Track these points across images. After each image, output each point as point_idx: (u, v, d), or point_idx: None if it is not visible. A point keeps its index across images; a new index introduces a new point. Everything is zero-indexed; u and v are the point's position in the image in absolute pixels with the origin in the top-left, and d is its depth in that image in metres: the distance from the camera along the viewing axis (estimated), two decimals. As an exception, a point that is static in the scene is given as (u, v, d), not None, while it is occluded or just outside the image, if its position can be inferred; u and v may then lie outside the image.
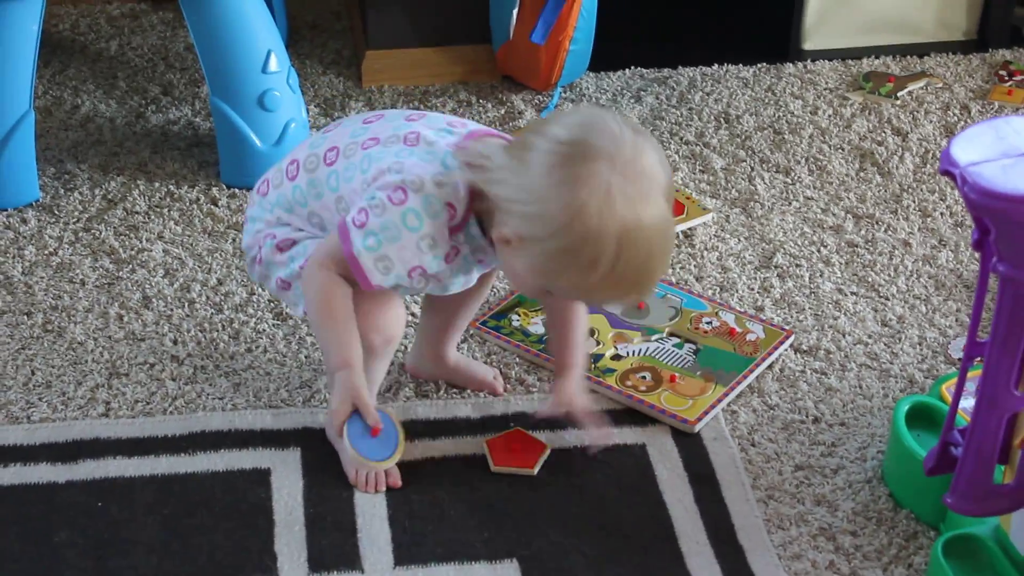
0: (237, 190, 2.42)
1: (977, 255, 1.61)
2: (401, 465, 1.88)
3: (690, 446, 1.96)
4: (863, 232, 2.37)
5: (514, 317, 2.15)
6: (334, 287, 1.76)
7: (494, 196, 1.68)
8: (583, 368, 1.96)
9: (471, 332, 2.13)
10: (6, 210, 2.36)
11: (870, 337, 2.16)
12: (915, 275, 2.28)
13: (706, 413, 1.99)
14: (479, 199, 1.72)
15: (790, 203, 2.44)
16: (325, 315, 1.77)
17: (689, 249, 2.32)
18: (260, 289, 2.21)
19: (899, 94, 2.72)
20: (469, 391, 2.03)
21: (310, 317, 1.80)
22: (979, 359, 1.65)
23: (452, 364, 2.05)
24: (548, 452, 1.91)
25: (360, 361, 1.78)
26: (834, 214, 2.41)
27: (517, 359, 2.09)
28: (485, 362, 2.09)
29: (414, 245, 1.72)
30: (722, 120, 2.65)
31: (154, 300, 2.19)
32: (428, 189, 1.70)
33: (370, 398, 1.80)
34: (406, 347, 2.05)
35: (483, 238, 1.77)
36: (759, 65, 2.82)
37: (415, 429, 1.97)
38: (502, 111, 2.64)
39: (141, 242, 2.30)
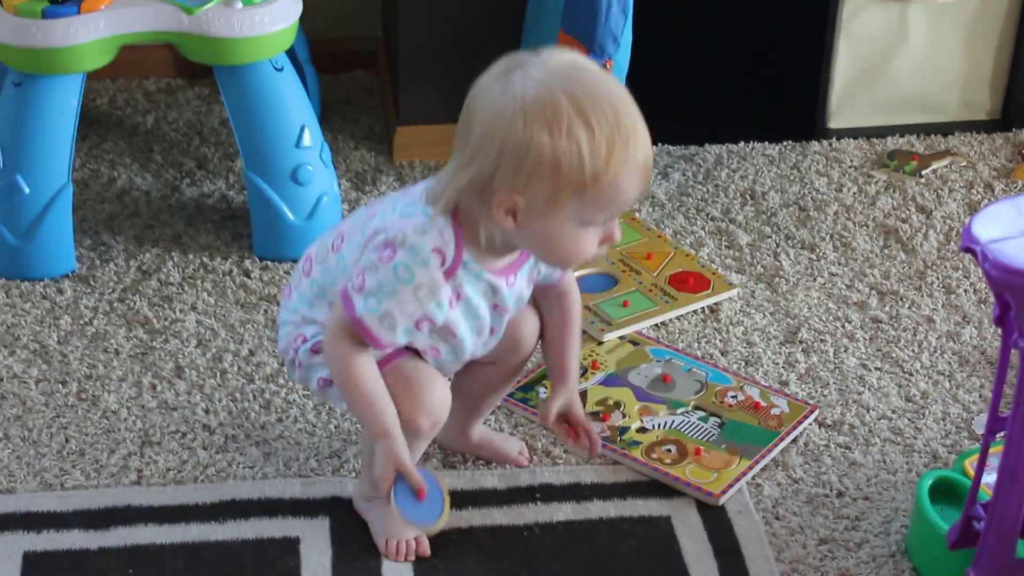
0: (270, 262, 2.43)
1: (999, 331, 1.62)
2: (429, 536, 1.90)
3: (715, 519, 1.96)
4: (887, 308, 2.37)
5: (541, 390, 2.16)
6: (354, 357, 1.76)
7: (464, 187, 1.68)
8: (574, 385, 1.97)
9: (499, 404, 2.13)
10: (43, 280, 2.37)
11: (894, 412, 2.16)
12: (939, 351, 2.28)
13: (731, 486, 2.00)
14: (468, 232, 1.73)
15: (815, 279, 2.44)
16: (351, 388, 1.77)
17: (715, 324, 2.32)
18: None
19: (923, 172, 2.72)
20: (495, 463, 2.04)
21: (341, 392, 1.80)
22: (1001, 434, 1.66)
23: (476, 441, 2.05)
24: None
25: (397, 426, 1.77)
26: (858, 290, 2.41)
27: (543, 431, 2.09)
28: (511, 433, 2.10)
29: (411, 297, 1.71)
30: (748, 197, 2.65)
31: (187, 370, 2.19)
32: (411, 240, 1.70)
33: (411, 462, 1.79)
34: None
35: (485, 271, 1.76)
36: (785, 143, 2.81)
37: None
38: None
39: (175, 313, 2.31)
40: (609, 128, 1.62)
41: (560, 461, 2.05)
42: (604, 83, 1.66)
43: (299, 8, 2.40)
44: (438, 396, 1.81)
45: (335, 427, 2.09)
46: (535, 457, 2.06)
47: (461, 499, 1.97)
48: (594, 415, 2.11)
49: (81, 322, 2.29)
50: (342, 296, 1.74)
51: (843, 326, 2.33)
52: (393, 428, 1.77)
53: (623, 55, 2.56)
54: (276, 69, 2.38)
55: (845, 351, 2.28)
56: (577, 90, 1.62)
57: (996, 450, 1.72)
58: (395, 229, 1.71)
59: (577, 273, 2.37)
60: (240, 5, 2.31)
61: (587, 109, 1.62)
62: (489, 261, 1.76)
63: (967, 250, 1.56)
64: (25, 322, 2.29)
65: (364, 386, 1.76)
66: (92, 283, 2.38)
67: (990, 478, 1.73)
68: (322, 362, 1.83)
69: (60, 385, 2.16)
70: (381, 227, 1.72)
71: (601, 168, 1.63)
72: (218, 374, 2.19)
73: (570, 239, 1.69)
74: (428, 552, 1.88)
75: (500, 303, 1.82)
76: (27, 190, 2.33)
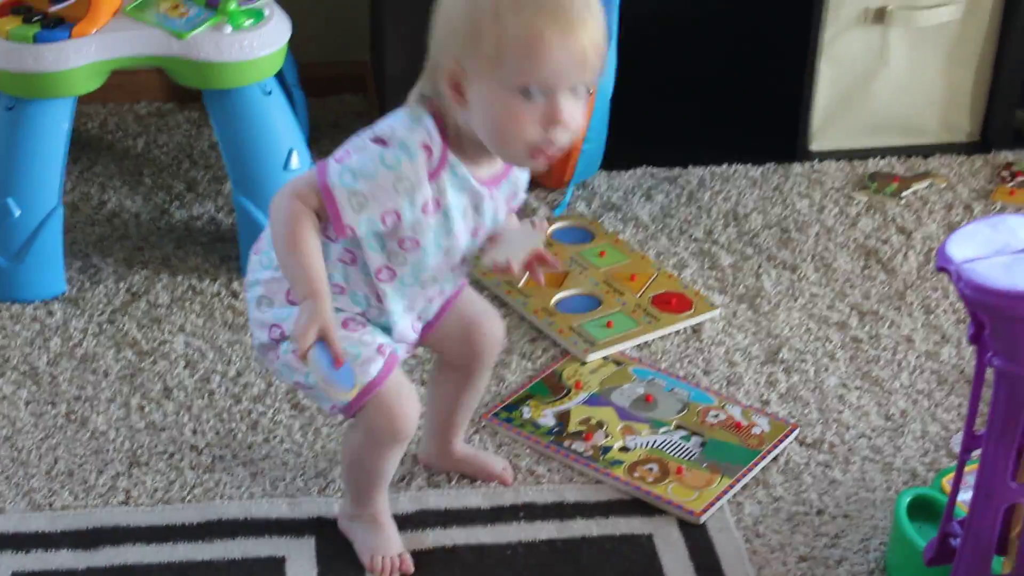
0: None
1: (973, 348, 1.64)
2: (413, 553, 1.91)
3: (696, 537, 1.97)
4: (867, 328, 2.38)
5: (525, 409, 2.16)
6: (303, 218, 1.69)
7: (427, 74, 1.70)
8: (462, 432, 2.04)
9: (483, 424, 2.14)
10: (33, 303, 2.37)
11: (873, 431, 2.17)
12: (918, 370, 2.29)
13: (712, 504, 2.00)
14: (449, 132, 1.70)
15: (796, 299, 2.45)
16: (291, 244, 1.70)
17: (697, 344, 2.33)
18: (277, 381, 2.22)
19: (903, 194, 2.73)
20: (480, 481, 2.04)
21: (276, 246, 1.74)
22: (977, 452, 1.68)
23: (459, 456, 2.05)
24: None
25: (327, 290, 1.70)
26: (839, 310, 2.42)
27: (528, 450, 2.10)
28: (496, 452, 2.10)
29: (391, 185, 1.68)
30: (730, 218, 2.66)
31: (175, 391, 2.20)
32: (400, 134, 1.69)
33: (336, 332, 1.70)
34: (418, 439, 2.06)
35: (471, 177, 1.72)
36: (767, 165, 2.82)
37: (426, 519, 1.98)
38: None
39: (163, 334, 2.32)
40: None
41: (544, 480, 2.05)
42: None
43: (288, 32, 2.41)
44: (409, 408, 1.80)
45: (321, 447, 2.10)
46: (519, 476, 2.06)
47: (445, 518, 1.99)
48: (577, 434, 2.12)
49: (71, 344, 2.29)
50: (317, 164, 1.71)
51: (824, 346, 2.34)
52: (323, 290, 1.69)
53: (606, 79, 2.58)
54: (265, 93, 2.39)
55: (825, 370, 2.29)
56: None
57: (972, 468, 1.73)
58: (384, 126, 1.71)
59: (562, 294, 2.42)
60: (229, 30, 2.33)
61: None
62: (474, 167, 1.73)
63: (942, 270, 1.57)
64: (15, 344, 2.29)
65: (303, 245, 1.69)
66: (82, 305, 2.38)
67: (966, 495, 1.73)
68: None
69: (49, 406, 2.17)
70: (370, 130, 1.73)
71: (520, 24, 1.61)
72: (206, 395, 2.20)
73: (506, 111, 1.64)
74: (412, 569, 1.88)
75: (480, 223, 1.78)
76: (18, 213, 2.34)
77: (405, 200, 1.69)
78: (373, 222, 1.70)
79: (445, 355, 1.98)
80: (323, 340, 1.66)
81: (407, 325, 1.85)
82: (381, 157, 1.68)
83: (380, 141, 1.69)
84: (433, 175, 1.70)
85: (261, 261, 1.83)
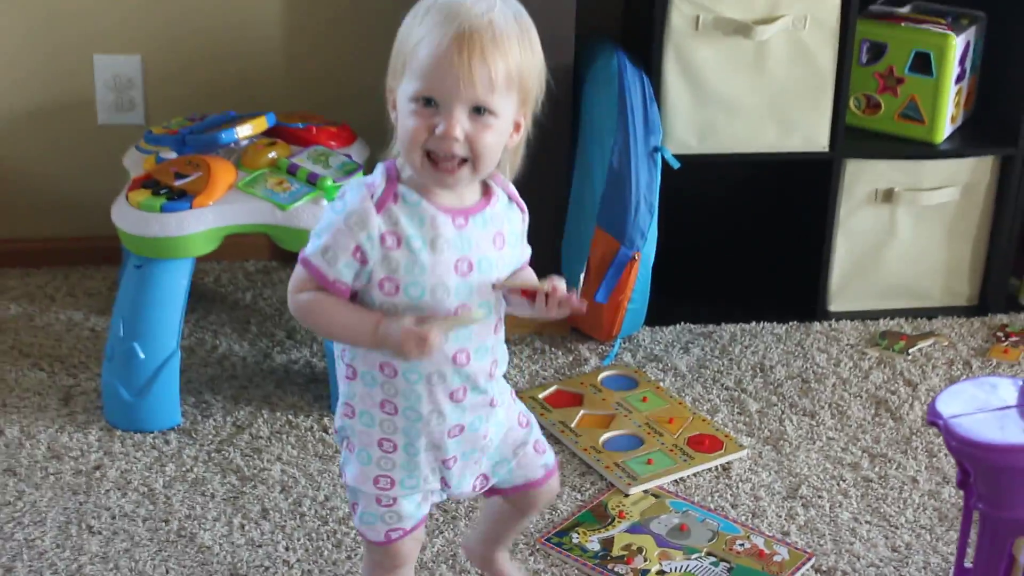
0: None
1: (962, 492, 1.66)
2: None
3: None
4: (877, 469, 2.37)
5: (574, 535, 2.17)
6: (315, 295, 1.60)
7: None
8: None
9: (537, 547, 2.14)
10: (152, 432, 2.39)
11: (881, 561, 2.15)
12: (922, 507, 2.27)
13: None
14: (401, 165, 1.61)
15: (814, 442, 2.44)
16: (324, 318, 1.61)
17: (726, 480, 2.33)
18: None
19: (910, 351, 2.72)
20: None
21: (322, 332, 1.65)
22: None
23: (498, 569, 1.98)
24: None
25: (379, 317, 1.58)
26: (852, 452, 2.41)
27: (576, 571, 2.10)
28: (550, 571, 2.08)
29: (344, 225, 1.57)
30: (758, 370, 2.66)
31: (271, 512, 2.21)
32: (351, 184, 1.62)
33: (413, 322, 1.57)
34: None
35: (424, 201, 1.59)
36: (791, 323, 2.81)
37: None
38: (570, 358, 2.67)
39: (263, 462, 2.33)
40: (436, 11, 1.55)
41: None
42: None
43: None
44: (410, 554, 1.77)
45: None
46: None
47: None
48: (619, 558, 2.11)
49: (183, 469, 2.31)
50: (300, 254, 1.63)
51: (838, 484, 2.33)
52: (378, 319, 1.58)
53: (649, 247, 2.61)
54: None
55: (839, 506, 2.27)
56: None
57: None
58: (344, 185, 1.64)
59: (608, 434, 2.41)
60: (325, 203, 2.36)
61: (438, 1, 1.56)
62: (430, 195, 1.60)
63: (932, 424, 1.59)
64: (136, 468, 2.31)
65: (329, 309, 1.60)
66: (194, 435, 2.40)
67: None
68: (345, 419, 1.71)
69: (163, 523, 2.18)
70: None
71: (424, 38, 1.54)
72: (298, 516, 2.20)
73: (408, 117, 1.56)
74: None
75: (462, 258, 1.61)
76: (142, 356, 2.36)
77: (362, 235, 1.57)
78: (350, 264, 1.58)
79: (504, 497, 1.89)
80: (428, 324, 1.55)
81: (434, 440, 1.69)
82: (333, 209, 1.60)
83: (339, 197, 1.62)
84: (380, 205, 1.58)
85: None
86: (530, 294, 1.64)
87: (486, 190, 1.66)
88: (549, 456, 1.85)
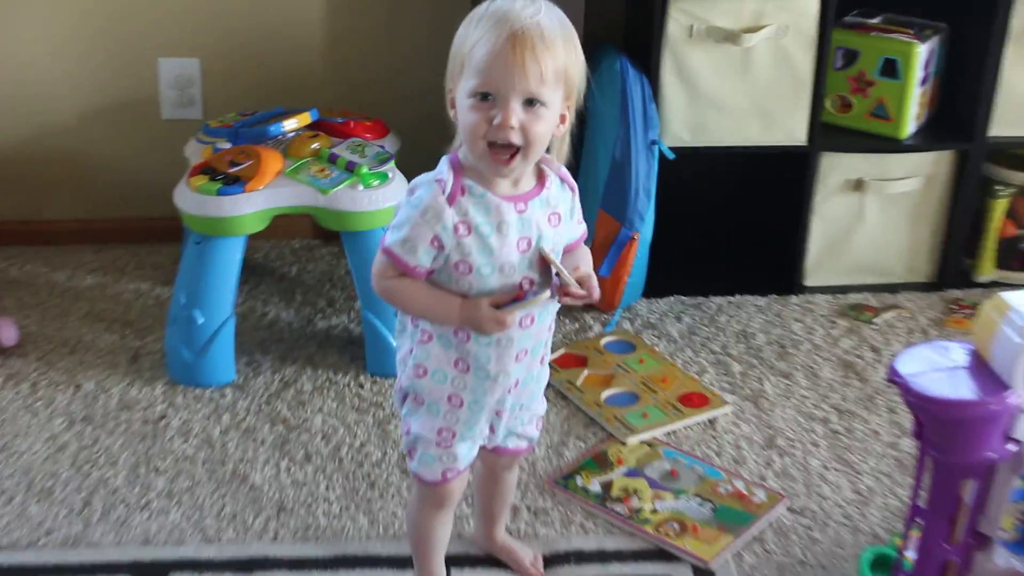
0: (378, 378, 2.45)
1: (917, 441, 1.67)
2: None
3: None
4: (844, 423, 2.37)
5: (578, 478, 2.18)
6: (398, 280, 1.61)
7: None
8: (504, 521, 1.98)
9: (546, 489, 2.14)
10: (210, 387, 2.40)
11: (846, 502, 2.16)
12: (882, 456, 2.28)
13: (719, 555, 2.00)
14: (464, 162, 1.60)
15: (789, 400, 2.44)
16: (410, 302, 1.62)
17: (712, 432, 2.33)
18: (390, 450, 2.24)
19: (875, 321, 2.72)
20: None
21: (406, 311, 1.65)
22: (920, 520, 1.69)
23: (499, 545, 1.98)
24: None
25: (458, 299, 1.60)
26: (823, 409, 2.41)
27: (579, 509, 2.11)
28: (556, 512, 2.09)
29: (421, 220, 1.57)
30: (741, 336, 2.65)
31: (313, 456, 2.22)
32: (422, 179, 1.61)
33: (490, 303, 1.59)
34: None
35: (489, 193, 1.59)
36: (770, 296, 2.81)
37: (498, 562, 1.97)
38: (576, 325, 2.67)
39: (306, 413, 2.34)
40: (489, 17, 1.54)
41: (590, 532, 2.05)
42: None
43: (404, 190, 2.45)
44: (457, 489, 1.78)
45: None
46: (572, 528, 2.05)
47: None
48: (617, 499, 2.12)
49: (237, 419, 2.32)
50: (381, 239, 1.63)
51: (810, 436, 2.33)
52: (458, 301, 1.60)
53: (647, 228, 2.62)
54: None
55: (811, 455, 2.27)
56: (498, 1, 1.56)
57: (917, 533, 1.76)
58: (412, 184, 1.63)
59: (609, 391, 2.41)
60: (361, 188, 2.37)
61: (495, 3, 1.56)
62: (494, 185, 1.60)
63: (892, 381, 1.58)
64: (196, 418, 2.32)
65: (417, 294, 1.61)
66: (246, 390, 2.41)
67: (912, 553, 1.74)
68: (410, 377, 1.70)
69: (220, 465, 2.19)
70: None
71: (480, 40, 1.53)
72: (336, 460, 2.21)
73: (468, 112, 1.55)
74: None
75: (523, 236, 1.60)
76: (201, 320, 2.37)
77: (438, 226, 1.57)
78: (428, 252, 1.59)
79: (480, 478, 1.93)
80: (504, 307, 1.58)
81: (500, 373, 1.67)
82: (409, 203, 1.60)
83: (410, 191, 1.62)
84: (451, 199, 1.57)
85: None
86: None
87: (540, 176, 1.65)
88: (536, 435, 1.86)
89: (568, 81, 1.57)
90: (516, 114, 1.53)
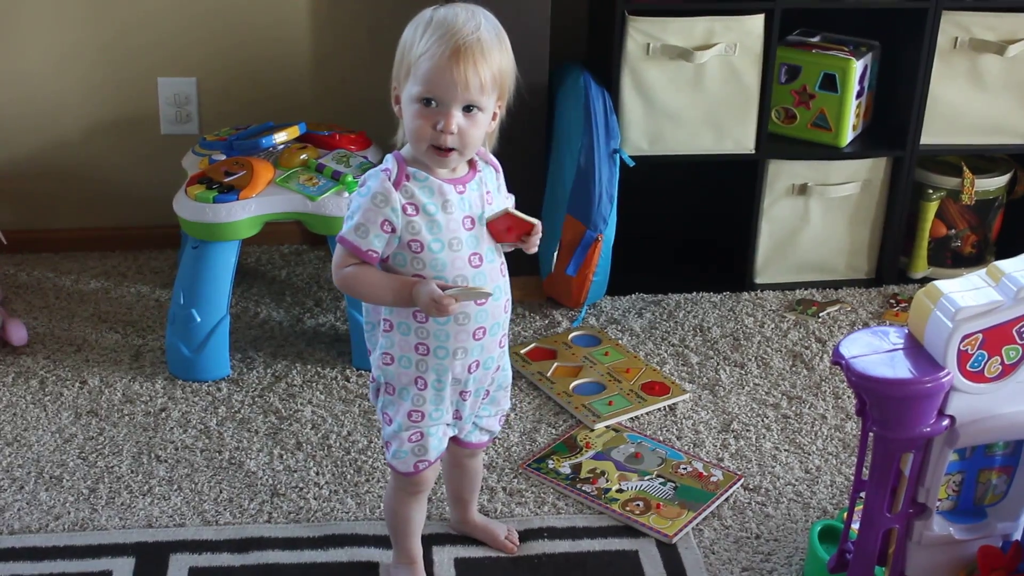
0: (363, 371, 2.44)
1: (860, 419, 1.68)
2: (467, 562, 1.90)
3: (669, 553, 1.98)
4: (794, 408, 2.38)
5: (550, 461, 2.18)
6: (354, 268, 1.62)
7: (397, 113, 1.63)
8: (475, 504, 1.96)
9: (520, 471, 2.14)
10: (207, 381, 2.39)
11: (797, 480, 2.16)
12: (829, 438, 2.29)
13: (681, 530, 2.01)
14: (406, 154, 1.63)
15: (743, 387, 2.45)
16: (366, 289, 1.63)
17: (672, 417, 2.34)
18: (375, 437, 2.24)
19: (820, 315, 2.72)
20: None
21: (361, 297, 1.65)
22: (863, 493, 1.70)
23: (473, 524, 1.98)
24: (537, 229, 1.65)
25: (410, 282, 1.61)
26: (774, 395, 2.42)
27: (551, 490, 2.11)
28: (530, 493, 2.09)
29: (371, 205, 1.59)
30: (698, 330, 2.65)
31: (304, 444, 2.21)
32: (370, 174, 1.63)
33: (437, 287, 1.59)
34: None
35: (431, 177, 1.61)
36: (724, 293, 2.80)
37: (475, 539, 1.98)
38: (546, 321, 2.66)
39: (297, 405, 2.33)
40: (434, 28, 1.56)
41: (562, 511, 2.05)
42: (469, 9, 1.58)
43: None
44: (428, 477, 1.78)
45: None
46: (545, 507, 2.05)
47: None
48: (586, 479, 2.12)
49: (232, 411, 2.32)
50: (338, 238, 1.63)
51: (762, 420, 2.34)
52: (412, 282, 1.61)
53: (610, 231, 2.61)
54: None
55: (763, 438, 2.28)
56: (444, 7, 1.59)
57: (860, 507, 1.76)
58: (361, 178, 1.64)
59: (577, 381, 2.41)
60: (347, 195, 2.35)
61: (438, 13, 1.58)
62: (434, 170, 1.63)
63: (836, 363, 1.58)
64: (194, 410, 2.31)
65: (373, 279, 1.62)
66: (241, 384, 2.40)
67: (858, 524, 1.74)
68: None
69: (217, 453, 2.19)
70: None
71: (425, 50, 1.55)
72: (325, 448, 2.21)
73: (413, 116, 1.58)
74: None
75: (467, 215, 1.63)
76: (198, 319, 2.36)
77: (387, 208, 1.59)
78: (380, 236, 1.60)
79: (447, 467, 1.92)
80: (448, 292, 1.58)
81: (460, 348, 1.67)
82: (359, 194, 1.62)
83: (360, 186, 1.63)
84: (397, 184, 1.60)
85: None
86: (513, 230, 1.65)
87: (471, 162, 1.69)
88: (498, 430, 1.86)
89: (502, 85, 1.62)
90: (456, 119, 1.58)
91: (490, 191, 1.69)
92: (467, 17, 1.57)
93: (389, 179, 1.61)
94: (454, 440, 1.82)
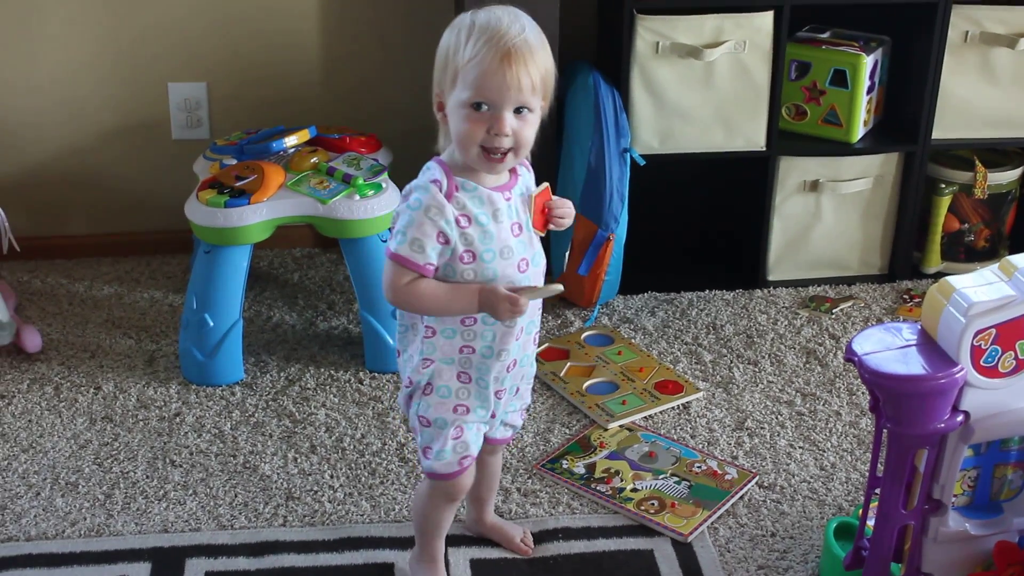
0: (376, 374, 2.44)
1: (873, 416, 1.67)
2: (483, 563, 1.90)
3: (684, 552, 1.97)
4: (808, 405, 2.37)
5: (564, 462, 2.18)
6: (412, 283, 1.60)
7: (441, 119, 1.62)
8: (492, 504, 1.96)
9: (534, 472, 2.14)
10: (221, 386, 2.39)
11: (812, 477, 2.16)
12: (844, 435, 2.28)
13: (696, 529, 2.01)
14: (451, 163, 1.61)
15: (757, 385, 2.44)
16: (429, 300, 1.60)
17: (686, 416, 2.33)
18: (389, 440, 2.24)
19: (834, 311, 2.71)
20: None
21: (427, 311, 1.63)
22: (878, 490, 1.70)
23: (490, 525, 1.97)
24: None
25: (475, 289, 1.59)
26: (788, 393, 2.42)
27: (566, 490, 2.11)
28: (544, 493, 2.09)
29: (425, 218, 1.57)
30: (711, 328, 2.65)
31: (318, 448, 2.21)
32: (416, 183, 1.61)
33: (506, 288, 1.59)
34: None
35: (480, 187, 1.60)
36: (737, 290, 2.80)
37: (492, 540, 1.98)
38: (559, 321, 2.66)
39: (311, 408, 2.33)
40: (479, 33, 1.55)
41: (576, 512, 2.05)
42: (509, 12, 1.57)
43: (398, 199, 2.43)
44: (466, 482, 1.78)
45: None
46: (560, 507, 2.05)
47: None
48: (600, 479, 2.12)
49: (247, 415, 2.32)
50: (386, 250, 1.62)
51: (776, 417, 2.34)
52: (475, 290, 1.59)
53: (621, 230, 2.61)
54: (382, 240, 2.39)
55: (778, 435, 2.28)
56: (482, 11, 1.57)
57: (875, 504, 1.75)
58: (405, 190, 1.63)
59: (591, 381, 2.41)
60: (358, 198, 2.36)
61: (479, 17, 1.57)
62: (481, 179, 1.62)
63: (849, 360, 1.58)
64: (208, 414, 2.31)
65: (438, 292, 1.60)
66: (254, 388, 2.40)
67: (873, 521, 1.74)
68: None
69: (231, 457, 2.19)
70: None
71: (472, 55, 1.54)
72: (339, 451, 2.21)
73: (463, 121, 1.57)
74: None
75: (516, 221, 1.63)
76: (212, 324, 2.36)
77: (442, 221, 1.58)
78: (435, 248, 1.59)
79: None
80: (518, 293, 1.58)
81: (506, 346, 1.68)
82: (408, 207, 1.60)
83: (405, 196, 1.62)
84: (449, 196, 1.59)
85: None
86: (548, 211, 1.68)
87: (512, 168, 1.68)
88: (519, 425, 1.86)
89: (547, 85, 1.61)
90: (509, 122, 1.56)
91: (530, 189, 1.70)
92: (511, 20, 1.57)
93: (440, 191, 1.60)
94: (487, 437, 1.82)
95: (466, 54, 1.55)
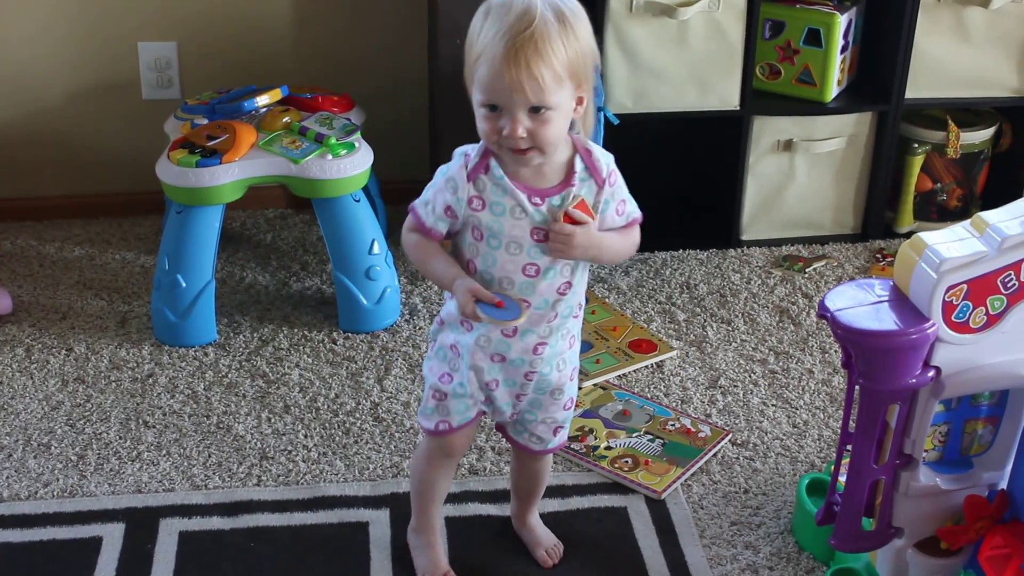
0: (350, 334, 2.44)
1: (845, 372, 1.67)
2: (459, 520, 1.90)
3: (658, 509, 1.98)
4: (781, 363, 2.39)
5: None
6: (418, 239, 1.60)
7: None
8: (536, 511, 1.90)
9: (559, 454, 2.08)
10: (194, 347, 2.38)
11: (784, 435, 2.18)
12: (816, 393, 2.30)
13: (670, 486, 2.02)
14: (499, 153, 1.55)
15: (731, 344, 2.45)
16: (421, 261, 1.61)
17: (660, 375, 2.34)
18: (363, 399, 2.24)
19: (807, 270, 2.72)
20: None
21: (417, 267, 1.63)
22: (850, 446, 1.71)
23: (525, 526, 1.90)
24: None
25: (460, 273, 1.58)
26: (761, 351, 2.43)
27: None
28: (570, 469, 2.03)
29: (442, 186, 1.56)
30: (684, 287, 2.65)
31: (292, 408, 2.21)
32: (459, 150, 1.58)
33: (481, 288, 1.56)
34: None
35: (508, 179, 1.55)
36: (711, 250, 2.80)
37: (469, 497, 1.97)
38: None
39: (284, 368, 2.33)
40: (490, 23, 1.47)
41: (551, 470, 2.05)
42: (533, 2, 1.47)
43: (371, 159, 2.42)
44: (461, 442, 1.75)
45: (394, 446, 2.11)
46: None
47: (481, 496, 1.99)
48: (575, 437, 2.12)
49: (220, 375, 2.31)
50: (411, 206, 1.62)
51: (750, 376, 2.35)
52: (458, 274, 1.58)
53: None
54: (355, 200, 2.40)
55: (751, 393, 2.29)
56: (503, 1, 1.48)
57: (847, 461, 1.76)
58: (457, 150, 1.59)
59: None
60: (330, 157, 2.35)
61: (492, 8, 1.49)
62: (516, 171, 1.55)
63: (821, 316, 1.58)
64: (181, 375, 2.31)
65: (431, 255, 1.60)
66: (228, 348, 2.39)
67: (845, 476, 1.74)
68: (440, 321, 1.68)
69: (205, 418, 2.19)
70: None
71: (483, 54, 1.47)
72: (313, 411, 2.21)
73: (480, 119, 1.52)
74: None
75: (538, 227, 1.56)
76: (184, 284, 2.35)
77: (452, 197, 1.56)
78: (443, 219, 1.58)
79: (512, 458, 1.87)
80: (479, 299, 1.55)
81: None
82: (438, 172, 1.59)
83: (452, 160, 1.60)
84: (471, 176, 1.55)
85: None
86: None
87: (569, 173, 1.58)
88: (553, 443, 1.78)
89: (575, 73, 1.49)
90: (523, 123, 1.49)
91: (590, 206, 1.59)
92: (523, 9, 1.46)
93: (466, 167, 1.56)
94: (511, 440, 1.79)
95: (477, 48, 1.48)
